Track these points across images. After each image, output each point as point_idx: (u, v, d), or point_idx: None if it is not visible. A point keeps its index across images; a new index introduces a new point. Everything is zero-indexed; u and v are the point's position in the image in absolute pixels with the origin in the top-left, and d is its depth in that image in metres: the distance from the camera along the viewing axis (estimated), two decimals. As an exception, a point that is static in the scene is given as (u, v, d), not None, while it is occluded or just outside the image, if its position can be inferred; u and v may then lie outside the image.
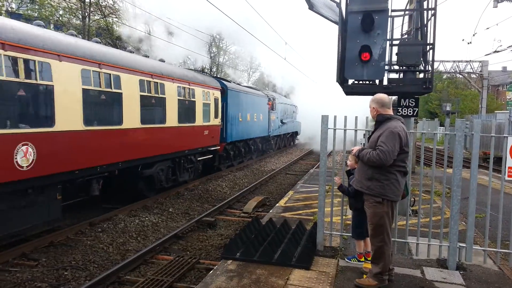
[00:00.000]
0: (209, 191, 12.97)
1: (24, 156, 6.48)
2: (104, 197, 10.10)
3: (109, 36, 20.56)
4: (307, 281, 4.64)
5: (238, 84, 21.01)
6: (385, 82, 6.88)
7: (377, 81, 6.75)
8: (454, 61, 32.18)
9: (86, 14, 21.23)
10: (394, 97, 9.31)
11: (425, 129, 5.45)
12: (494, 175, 8.56)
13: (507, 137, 5.03)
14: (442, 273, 4.93)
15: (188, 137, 12.72)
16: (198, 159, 14.00)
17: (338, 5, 6.52)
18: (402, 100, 7.15)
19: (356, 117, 5.41)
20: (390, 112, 4.40)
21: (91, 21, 21.63)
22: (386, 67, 6.86)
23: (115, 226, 8.61)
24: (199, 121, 13.43)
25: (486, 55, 41.05)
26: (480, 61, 32.04)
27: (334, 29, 7.13)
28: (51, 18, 20.33)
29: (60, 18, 21.26)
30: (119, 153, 9.10)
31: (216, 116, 15.12)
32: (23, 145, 6.44)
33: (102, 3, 22.02)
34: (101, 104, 8.60)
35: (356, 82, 6.76)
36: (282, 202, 9.45)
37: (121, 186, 10.45)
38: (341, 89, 7.12)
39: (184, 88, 12.25)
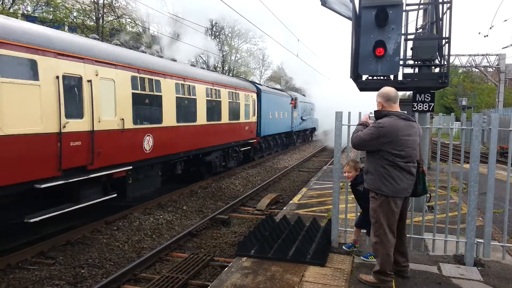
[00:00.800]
0: (222, 189, 13.02)
1: (148, 143, 9.68)
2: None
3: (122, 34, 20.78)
4: (322, 277, 4.62)
5: (267, 86, 24.10)
6: (400, 77, 6.78)
7: (391, 77, 6.66)
8: (470, 55, 31.65)
9: (100, 15, 21.48)
10: (409, 92, 9.17)
11: (441, 124, 5.35)
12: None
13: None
14: (459, 269, 4.85)
15: (235, 131, 15.90)
16: (241, 149, 17.17)
17: (352, 0, 6.44)
18: (418, 95, 7.01)
19: (370, 113, 5.34)
20: (396, 107, 4.17)
21: (104, 22, 21.87)
22: (401, 62, 6.76)
23: (130, 224, 8.71)
24: (242, 118, 16.67)
25: (503, 48, 40.26)
26: (497, 55, 31.41)
27: (348, 24, 7.04)
28: (65, 20, 20.63)
29: (74, 20, 21.55)
30: (193, 143, 12.27)
31: (254, 114, 18.32)
32: (147, 135, 9.65)
33: (115, 4, 22.25)
34: (185, 107, 11.76)
35: (370, 77, 6.68)
36: (295, 199, 9.42)
37: (189, 169, 13.28)
38: (355, 85, 7.05)
39: (232, 92, 15.55)
